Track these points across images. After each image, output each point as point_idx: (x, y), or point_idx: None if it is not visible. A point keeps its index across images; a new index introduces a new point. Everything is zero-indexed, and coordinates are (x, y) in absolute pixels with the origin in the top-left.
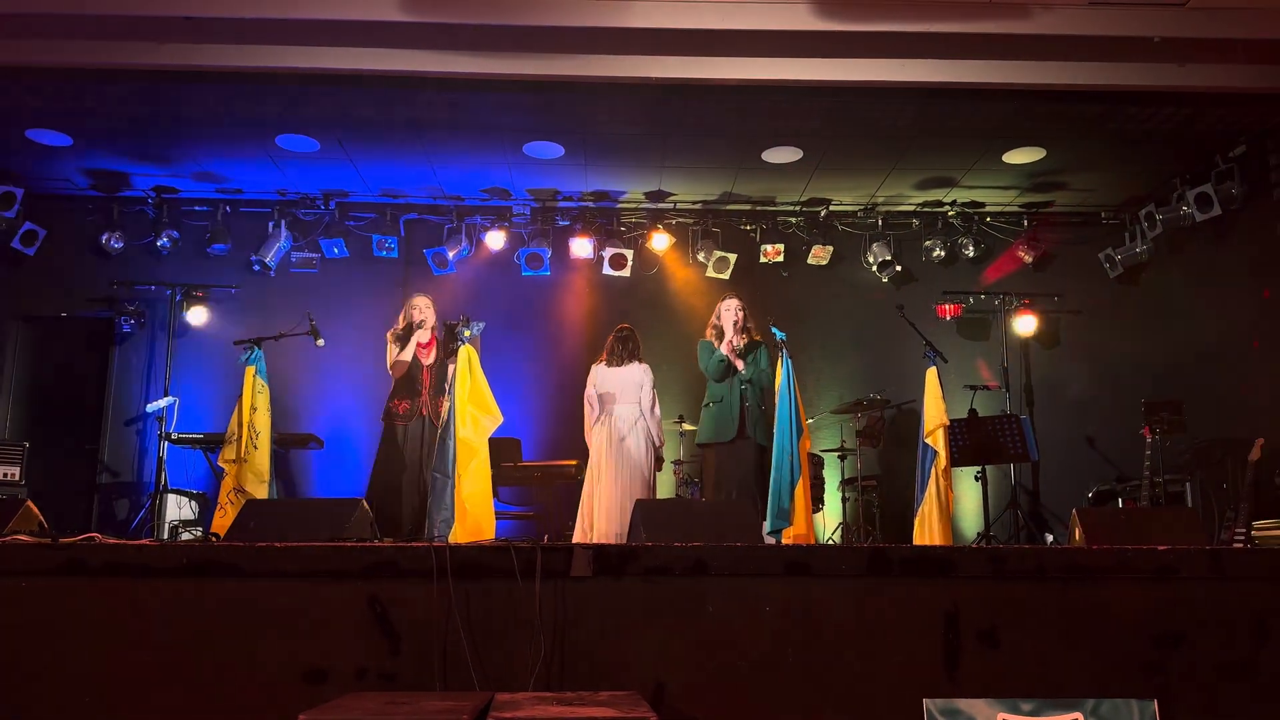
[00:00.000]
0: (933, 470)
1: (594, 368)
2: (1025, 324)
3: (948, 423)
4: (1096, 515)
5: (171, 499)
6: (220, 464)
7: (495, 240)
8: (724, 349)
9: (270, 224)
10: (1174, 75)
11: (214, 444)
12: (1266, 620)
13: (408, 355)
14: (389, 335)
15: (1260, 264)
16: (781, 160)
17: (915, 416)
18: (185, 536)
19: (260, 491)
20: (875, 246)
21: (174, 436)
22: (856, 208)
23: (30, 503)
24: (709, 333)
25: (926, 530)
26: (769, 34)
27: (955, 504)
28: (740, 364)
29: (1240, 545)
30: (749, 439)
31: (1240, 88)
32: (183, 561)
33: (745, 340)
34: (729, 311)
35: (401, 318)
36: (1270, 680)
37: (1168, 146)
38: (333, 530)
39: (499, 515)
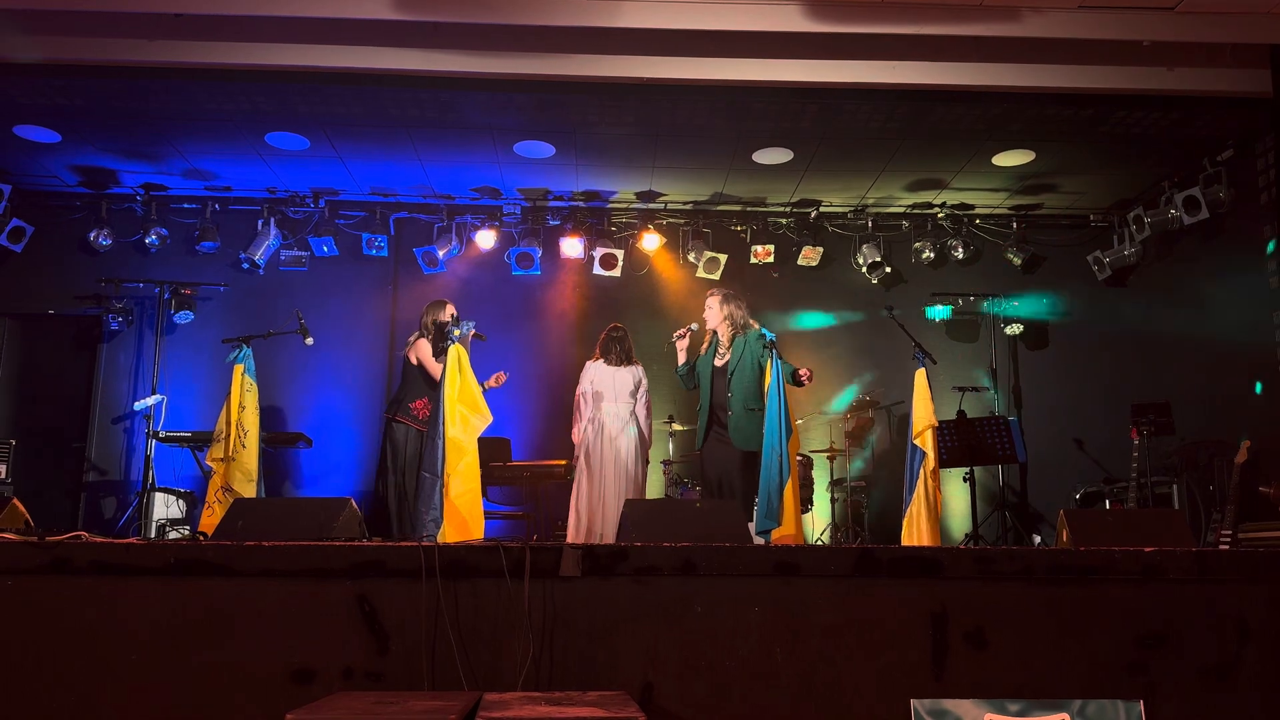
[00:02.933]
0: (921, 471)
1: (589, 364)
2: (1013, 326)
3: (936, 424)
4: (1084, 516)
5: (159, 497)
6: (208, 462)
7: (485, 239)
8: (679, 358)
9: (259, 222)
10: (1163, 79)
11: (202, 442)
12: (1250, 622)
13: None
14: (425, 339)
15: (1247, 267)
16: (772, 161)
17: (904, 418)
18: (172, 535)
19: (248, 490)
20: (865, 248)
21: (162, 435)
22: (847, 209)
23: (16, 500)
24: (705, 336)
25: (915, 531)
26: (760, 35)
27: (943, 505)
28: (724, 359)
29: (1226, 547)
30: (720, 443)
31: (1229, 91)
32: (170, 560)
33: (731, 334)
34: (704, 309)
35: (433, 319)
36: (1253, 681)
37: (1156, 150)
38: (321, 529)
39: (488, 515)
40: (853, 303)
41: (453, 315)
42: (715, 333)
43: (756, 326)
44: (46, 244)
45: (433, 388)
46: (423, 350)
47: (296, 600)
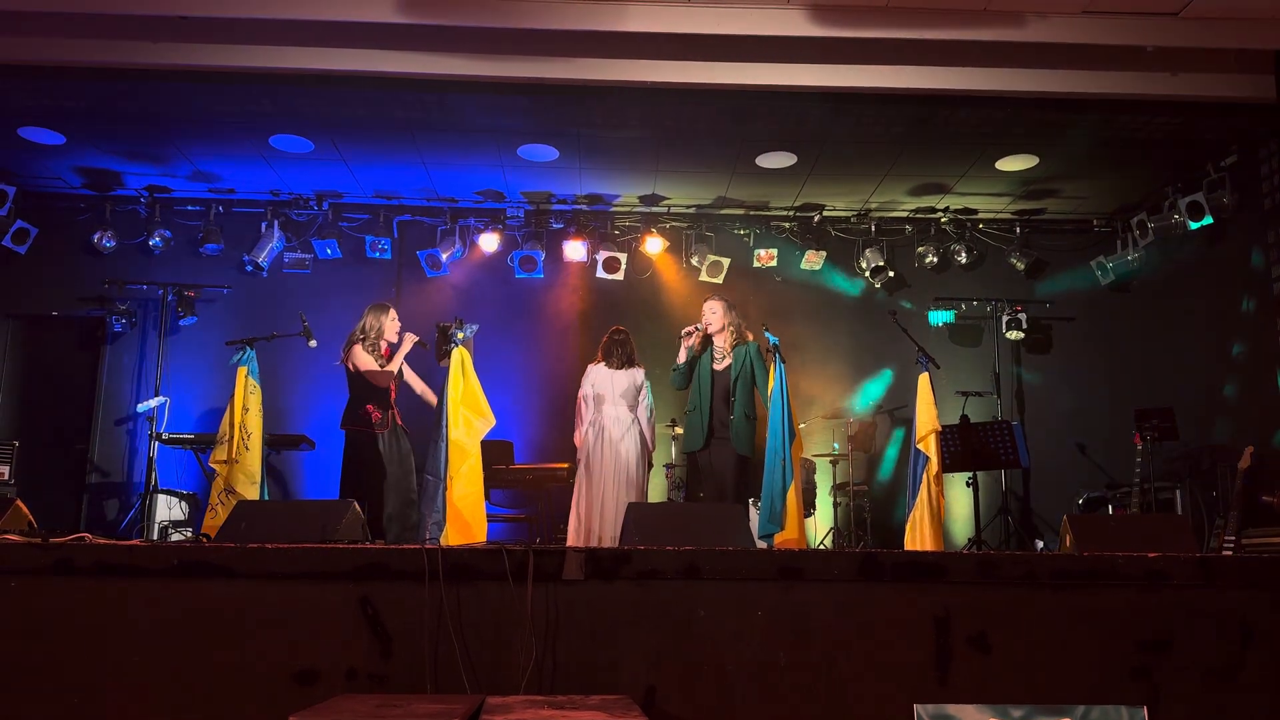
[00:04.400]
0: (924, 476)
1: (591, 367)
2: (1017, 330)
3: (940, 429)
4: (1087, 522)
5: (161, 499)
6: (211, 465)
7: (489, 242)
8: (679, 356)
9: (263, 224)
10: (1166, 84)
11: (205, 444)
12: (1254, 627)
13: (395, 367)
14: (359, 345)
15: (1251, 273)
16: (775, 165)
17: (907, 422)
18: (175, 537)
19: (251, 492)
20: (868, 252)
21: (165, 437)
22: (850, 213)
23: (19, 502)
24: (696, 338)
25: (918, 536)
26: (764, 39)
27: (946, 510)
28: (724, 364)
29: (1229, 553)
30: (723, 446)
31: (1232, 97)
32: (173, 562)
33: (735, 343)
34: (706, 313)
35: (373, 328)
36: (1257, 687)
37: (1160, 155)
38: (324, 532)
39: (490, 518)
40: (855, 307)
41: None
42: (711, 338)
43: (751, 338)
44: (50, 246)
45: (373, 392)
46: (358, 356)
47: (300, 602)
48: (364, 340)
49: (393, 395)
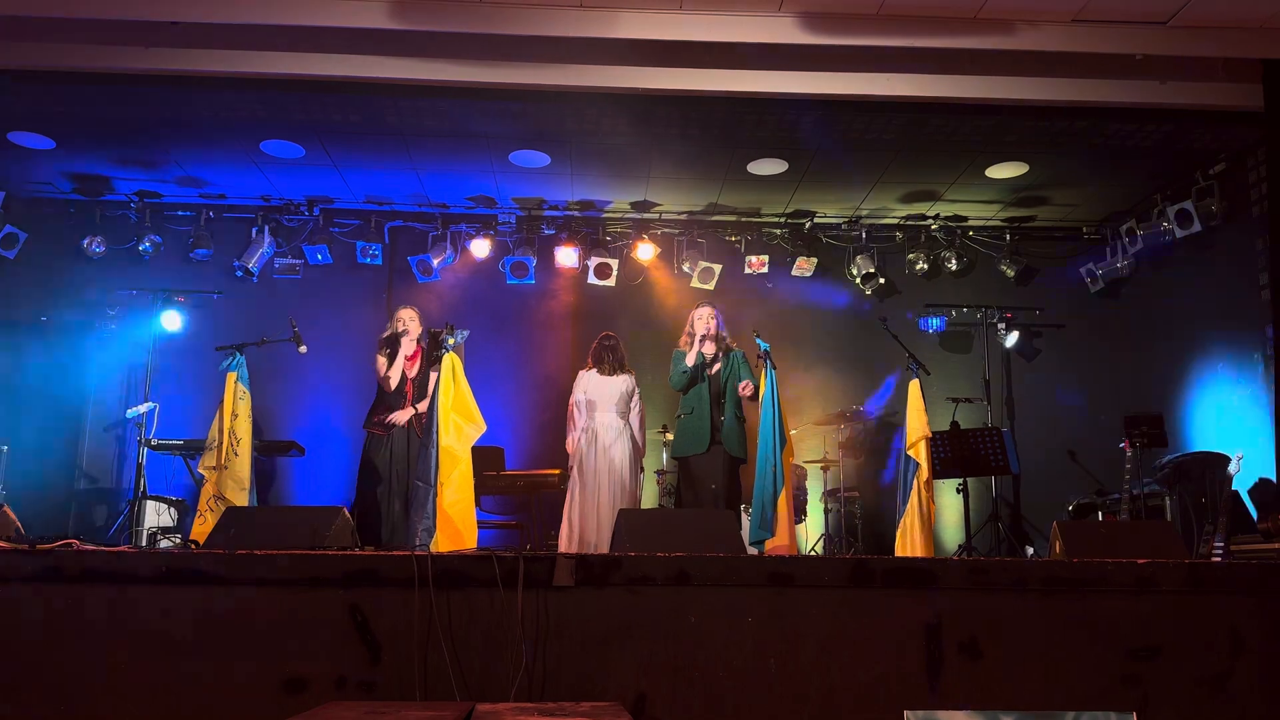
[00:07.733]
0: (915, 482)
1: (582, 374)
2: (1007, 337)
3: (930, 435)
4: (1076, 528)
5: (150, 505)
6: (200, 471)
7: (480, 248)
8: (689, 359)
9: (254, 229)
10: (1156, 92)
11: (194, 450)
12: (1243, 633)
13: (395, 373)
14: (379, 345)
15: (1239, 281)
16: (767, 172)
17: (898, 429)
18: (164, 543)
19: (240, 499)
20: (859, 259)
21: (154, 442)
22: (841, 220)
23: (7, 507)
24: (683, 341)
25: (908, 542)
26: (755, 46)
27: (937, 516)
28: (715, 368)
29: (1218, 559)
30: (721, 449)
31: (1221, 105)
32: (162, 568)
33: (723, 349)
34: (700, 320)
35: (389, 328)
36: (1246, 692)
37: (1149, 163)
38: (313, 538)
39: (481, 524)
40: (846, 313)
41: (417, 326)
42: (701, 342)
43: (735, 345)
44: (40, 251)
45: (380, 394)
46: (378, 357)
47: (289, 609)
48: (381, 341)
49: (407, 400)
